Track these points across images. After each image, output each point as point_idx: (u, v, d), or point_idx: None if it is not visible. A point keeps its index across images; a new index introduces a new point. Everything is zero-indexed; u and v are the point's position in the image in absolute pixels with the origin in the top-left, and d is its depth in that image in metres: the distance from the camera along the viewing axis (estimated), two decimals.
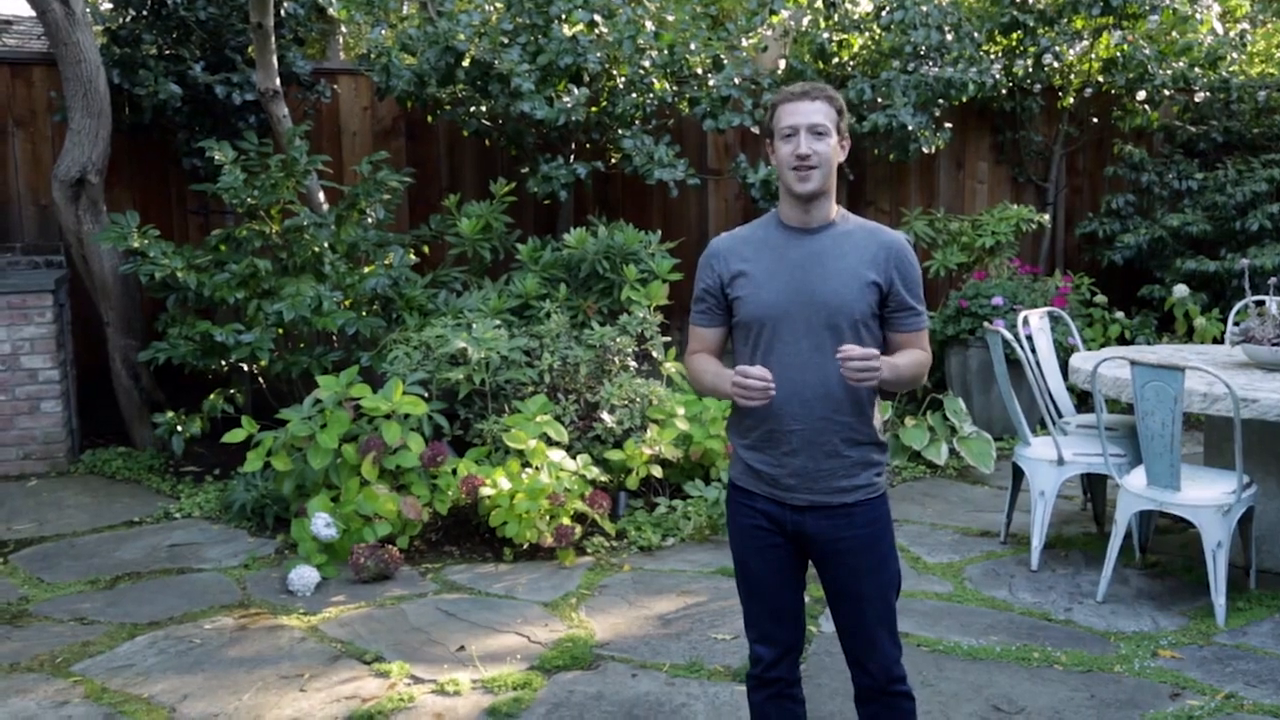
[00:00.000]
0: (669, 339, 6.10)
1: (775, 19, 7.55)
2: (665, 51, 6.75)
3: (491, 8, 6.83)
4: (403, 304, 6.19)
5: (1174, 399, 4.20)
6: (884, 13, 7.56)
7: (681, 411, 5.59)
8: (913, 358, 2.66)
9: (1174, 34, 8.10)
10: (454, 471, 5.11)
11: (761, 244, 2.68)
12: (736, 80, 6.85)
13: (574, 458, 5.30)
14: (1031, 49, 7.81)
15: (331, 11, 8.13)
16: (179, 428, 6.03)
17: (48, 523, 5.54)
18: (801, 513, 2.66)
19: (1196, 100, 8.44)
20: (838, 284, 2.60)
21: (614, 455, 5.43)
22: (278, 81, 6.43)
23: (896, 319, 2.67)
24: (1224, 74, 8.26)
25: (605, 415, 5.52)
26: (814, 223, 2.65)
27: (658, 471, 5.47)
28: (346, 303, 6.10)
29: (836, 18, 7.76)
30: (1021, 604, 4.54)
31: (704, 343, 2.78)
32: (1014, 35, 7.92)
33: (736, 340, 2.73)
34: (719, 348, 2.78)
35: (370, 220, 6.45)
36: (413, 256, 6.49)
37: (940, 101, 7.47)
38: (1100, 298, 7.75)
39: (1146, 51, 7.83)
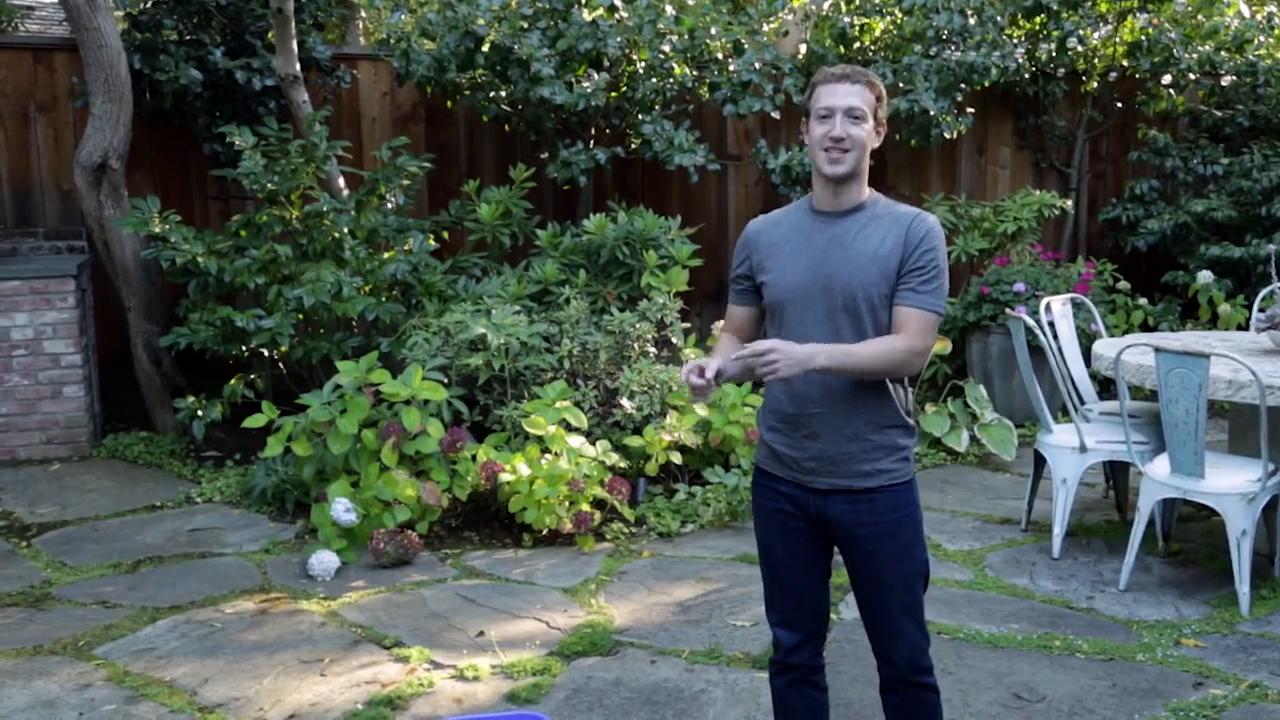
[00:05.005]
0: (689, 325, 6.09)
1: (796, 3, 7.50)
2: (685, 36, 6.72)
3: None
4: (422, 290, 6.19)
5: (1198, 386, 4.16)
6: None
7: None
8: (877, 346, 2.52)
9: (1200, 17, 8.01)
10: (473, 457, 5.11)
11: (791, 228, 2.70)
12: (757, 65, 6.81)
13: (593, 444, 5.30)
14: (1055, 33, 7.74)
15: None
16: (200, 413, 6.05)
17: (70, 506, 5.57)
18: (824, 497, 2.65)
19: (1222, 84, 8.34)
20: (855, 267, 2.58)
21: (633, 441, 5.42)
22: (298, 67, 6.43)
23: (896, 291, 2.58)
24: (1251, 57, 8.17)
25: (625, 401, 5.51)
26: (842, 206, 2.64)
27: (677, 458, 5.46)
28: (366, 288, 6.11)
29: (858, 2, 7.70)
30: (1043, 592, 4.52)
31: (733, 321, 2.83)
32: (1037, 19, 7.84)
33: (766, 323, 2.76)
34: (748, 327, 2.81)
35: (390, 206, 6.45)
36: (432, 242, 6.49)
37: (962, 86, 7.41)
38: (1123, 284, 7.69)
39: (1172, 35, 7.74)
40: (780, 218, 2.76)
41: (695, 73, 6.92)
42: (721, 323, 3.11)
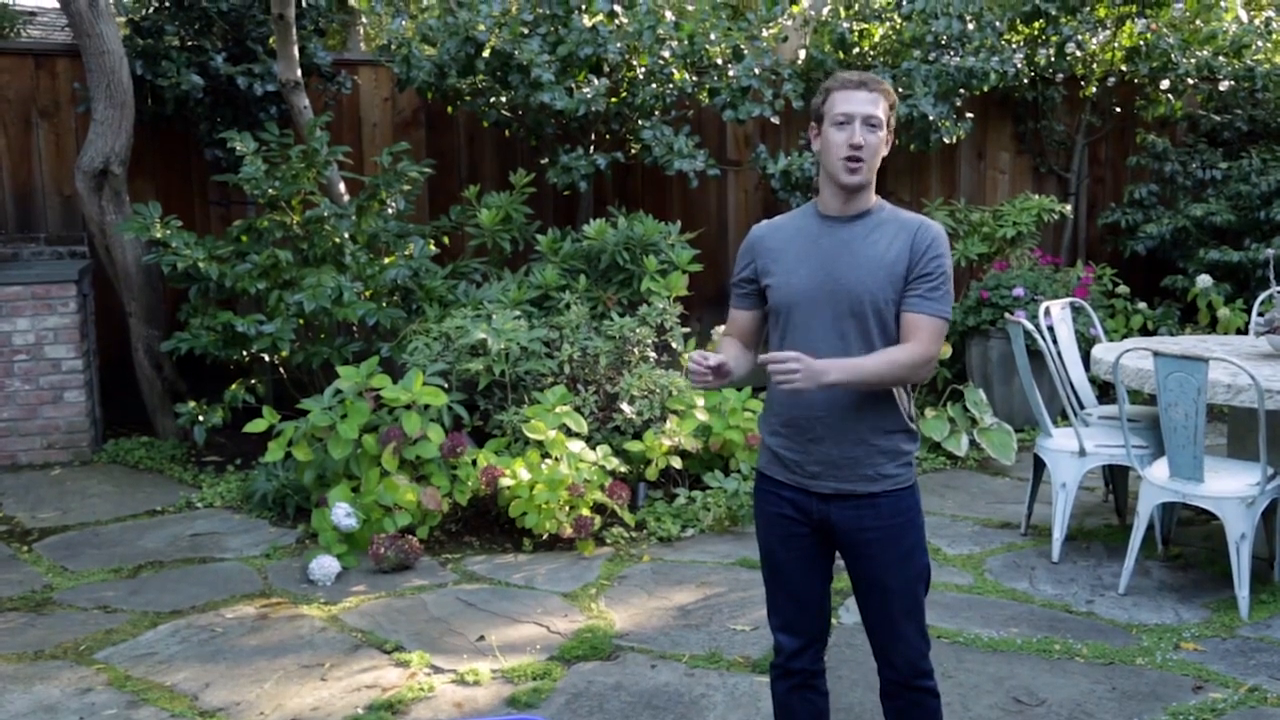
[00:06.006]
0: (689, 330, 6.09)
1: (795, 9, 7.52)
2: (685, 42, 6.74)
3: None
4: (423, 295, 6.20)
5: (1197, 390, 4.17)
6: (905, 2, 7.52)
7: (701, 402, 5.59)
8: (887, 356, 2.54)
9: (1198, 22, 8.02)
10: (474, 462, 5.12)
11: (796, 232, 2.71)
12: (756, 70, 6.82)
13: (593, 448, 5.30)
14: (1054, 38, 7.75)
15: (352, 2, 8.16)
16: (201, 418, 6.06)
17: (71, 511, 5.58)
18: (827, 501, 2.65)
19: (1221, 89, 8.36)
20: (863, 272, 2.59)
21: (633, 446, 5.43)
22: (299, 72, 6.45)
23: (904, 298, 2.60)
24: (1249, 62, 8.19)
25: (625, 406, 5.52)
26: (850, 211, 2.65)
27: (677, 462, 5.47)
28: (367, 293, 6.12)
29: (857, 7, 7.72)
30: (1042, 596, 4.53)
31: (736, 325, 2.83)
32: (1036, 24, 7.86)
33: (769, 326, 2.75)
34: (752, 331, 2.81)
35: (390, 211, 6.46)
36: (433, 247, 6.50)
37: (961, 91, 7.43)
38: (1122, 288, 7.70)
39: (1170, 40, 7.76)
40: (784, 222, 2.77)
41: (695, 78, 6.94)
42: (722, 327, 3.11)
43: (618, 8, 6.61)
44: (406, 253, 6.27)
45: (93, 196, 6.32)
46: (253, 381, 6.30)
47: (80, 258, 6.81)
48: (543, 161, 7.00)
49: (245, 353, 6.13)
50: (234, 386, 6.20)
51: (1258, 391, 4.18)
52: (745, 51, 6.92)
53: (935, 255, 2.60)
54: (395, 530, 4.89)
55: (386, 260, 6.25)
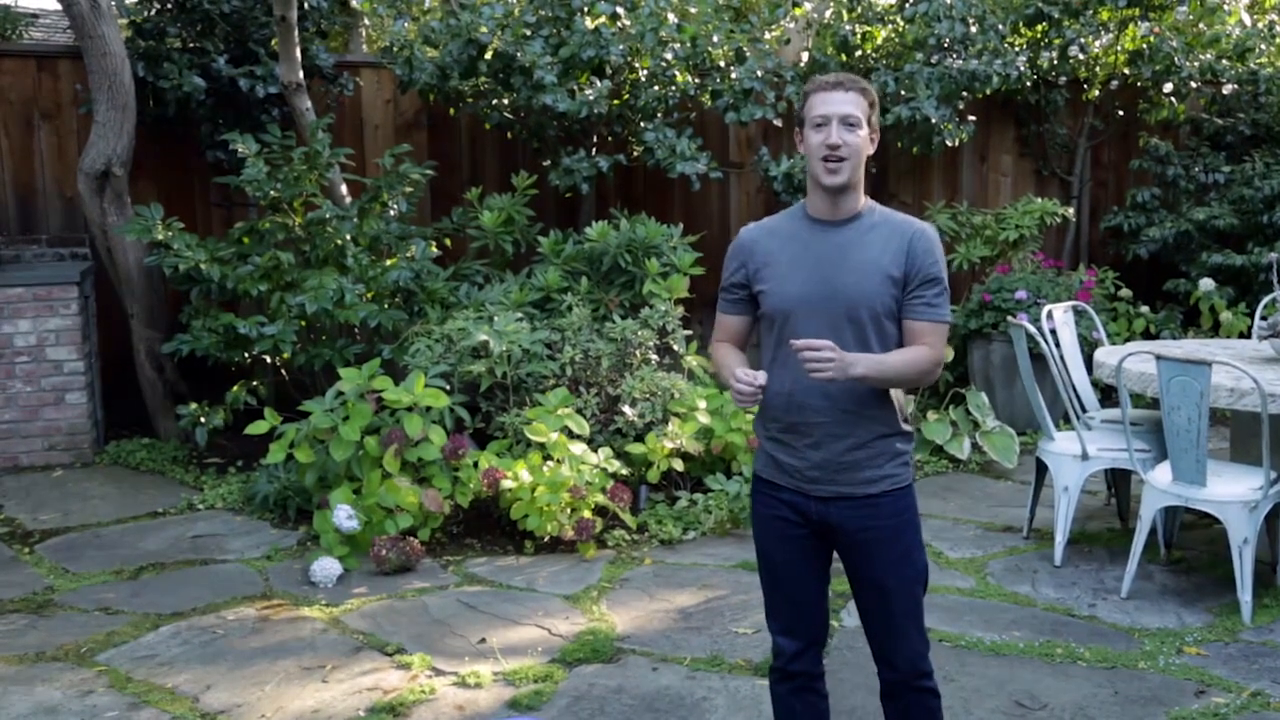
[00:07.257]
0: (690, 332, 6.09)
1: (798, 11, 7.52)
2: (687, 44, 6.73)
3: (514, 0, 6.83)
4: (425, 297, 6.20)
5: (1200, 394, 4.16)
6: (908, 5, 7.51)
7: (703, 405, 5.58)
8: (906, 356, 2.57)
9: (1201, 25, 8.02)
10: (475, 464, 5.12)
11: (787, 236, 2.69)
12: (759, 73, 6.82)
13: (595, 451, 5.30)
14: (1057, 41, 7.75)
15: (354, 4, 8.16)
16: (202, 419, 6.06)
17: (73, 513, 5.58)
18: (826, 504, 2.65)
19: (1224, 92, 8.35)
20: (858, 276, 2.58)
21: (635, 448, 5.43)
22: (301, 74, 6.45)
23: (907, 306, 2.61)
24: (1252, 66, 8.18)
25: (626, 408, 5.52)
26: (840, 215, 2.64)
27: (679, 465, 5.46)
28: (369, 295, 6.12)
29: (860, 10, 7.72)
30: (1045, 599, 4.52)
31: (728, 331, 2.81)
32: (1039, 27, 7.86)
33: (761, 331, 2.74)
34: (743, 336, 2.80)
35: (392, 213, 6.46)
36: (434, 249, 6.50)
37: (964, 94, 7.43)
38: (1125, 292, 7.69)
39: (1173, 43, 7.75)
40: (775, 225, 2.74)
41: (697, 80, 6.94)
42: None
43: (620, 10, 6.61)
44: (408, 254, 6.27)
45: (94, 198, 6.32)
46: (254, 383, 6.30)
47: (82, 259, 6.81)
48: (545, 164, 7.00)
49: (247, 354, 6.13)
50: (235, 388, 6.20)
51: (1261, 396, 4.17)
52: (748, 54, 6.92)
53: (933, 260, 2.61)
54: (397, 532, 4.89)
55: (388, 262, 6.25)
